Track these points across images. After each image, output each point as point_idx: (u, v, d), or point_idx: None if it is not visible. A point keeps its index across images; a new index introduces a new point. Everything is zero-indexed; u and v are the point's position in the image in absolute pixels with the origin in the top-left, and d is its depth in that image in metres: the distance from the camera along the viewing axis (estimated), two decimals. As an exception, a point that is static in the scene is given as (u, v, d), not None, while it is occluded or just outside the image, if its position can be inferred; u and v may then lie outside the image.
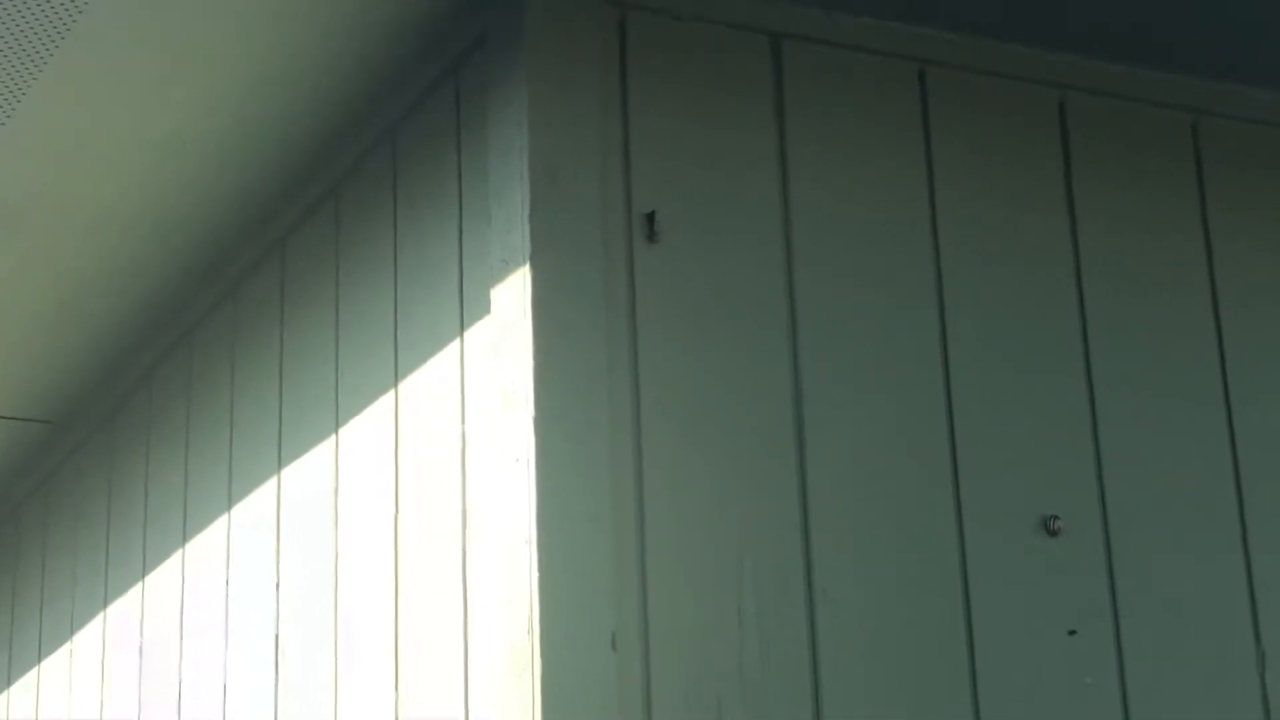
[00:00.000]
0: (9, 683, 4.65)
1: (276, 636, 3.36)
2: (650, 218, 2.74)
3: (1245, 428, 3.14)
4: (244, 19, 2.92)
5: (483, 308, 2.83)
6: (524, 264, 2.71)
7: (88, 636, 4.22)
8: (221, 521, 3.64)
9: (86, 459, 4.37)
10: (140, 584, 3.98)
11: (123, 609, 4.06)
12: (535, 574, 2.59)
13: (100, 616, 4.16)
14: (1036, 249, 3.10)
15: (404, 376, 3.05)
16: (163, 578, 3.88)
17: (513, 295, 2.73)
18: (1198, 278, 3.21)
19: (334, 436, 3.26)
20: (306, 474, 3.35)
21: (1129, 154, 3.22)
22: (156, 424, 4.02)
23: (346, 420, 3.23)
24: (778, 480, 2.78)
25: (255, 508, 3.52)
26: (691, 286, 2.81)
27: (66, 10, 2.84)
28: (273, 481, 3.46)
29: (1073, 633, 2.91)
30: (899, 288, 2.97)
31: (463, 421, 2.86)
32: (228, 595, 3.58)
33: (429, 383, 2.97)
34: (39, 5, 2.84)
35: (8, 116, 3.12)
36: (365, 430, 3.16)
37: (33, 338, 3.97)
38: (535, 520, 2.59)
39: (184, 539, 3.80)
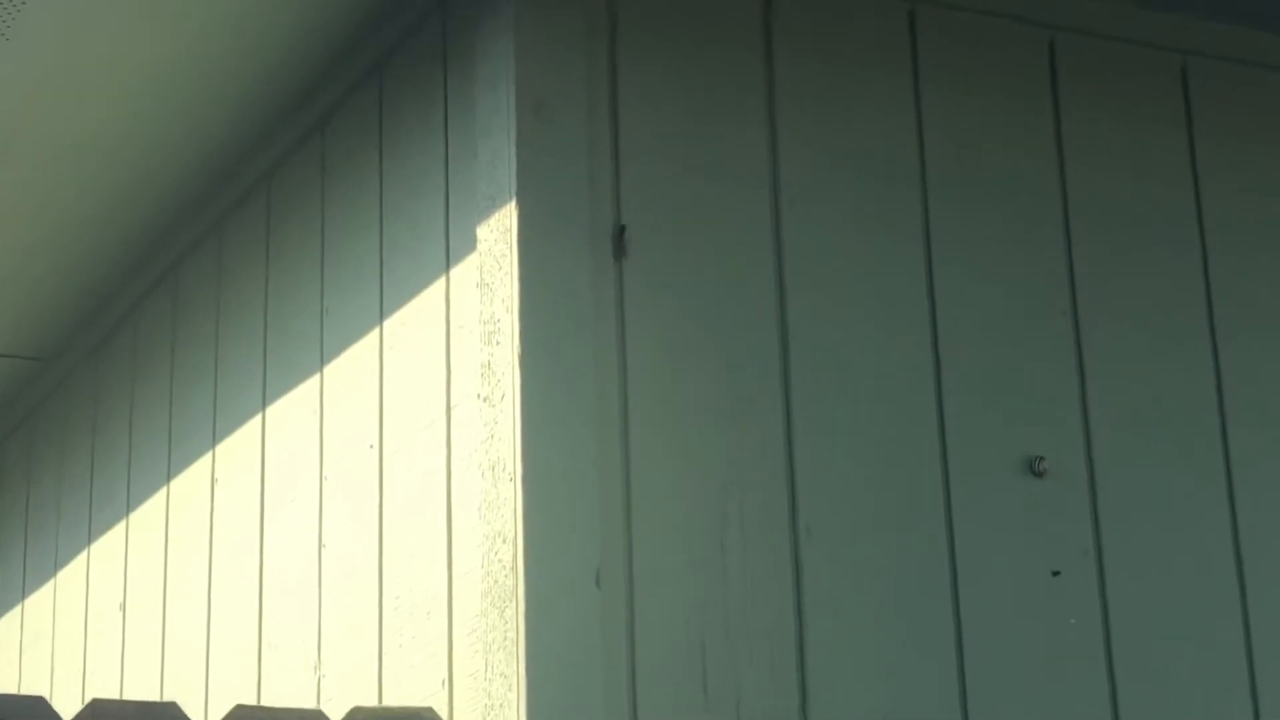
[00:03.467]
0: (-7, 619, 4.66)
1: (260, 572, 3.36)
2: (620, 232, 2.72)
3: (1232, 368, 3.14)
4: (229, -49, 2.91)
5: (469, 244, 2.82)
6: (510, 200, 2.70)
7: (71, 574, 4.22)
8: (206, 458, 3.64)
9: (71, 395, 4.36)
10: (125, 520, 3.97)
11: (107, 545, 4.06)
12: (519, 511, 2.58)
13: (84, 553, 4.16)
14: (1024, 189, 3.10)
15: (389, 313, 3.05)
16: (147, 514, 3.87)
17: (498, 231, 2.72)
18: (1186, 218, 3.20)
19: (319, 374, 3.26)
20: (292, 410, 3.34)
21: (1118, 94, 3.21)
22: (141, 360, 4.01)
23: (331, 357, 3.22)
24: (763, 418, 2.78)
25: (240, 443, 3.51)
26: (678, 221, 2.80)
27: (49, -60, 2.82)
28: (258, 418, 3.45)
29: (1057, 573, 2.92)
30: (886, 225, 2.96)
31: (448, 357, 2.85)
32: (212, 531, 3.58)
33: (414, 319, 2.96)
34: (21, -65, 2.82)
35: (-9, 48, 3.10)
36: (350, 366, 3.15)
37: (16, 273, 3.95)
38: (520, 456, 2.59)
39: (169, 475, 3.79)
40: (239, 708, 2.57)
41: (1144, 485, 3.02)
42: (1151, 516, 3.01)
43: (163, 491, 3.81)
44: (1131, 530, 2.98)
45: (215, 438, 3.61)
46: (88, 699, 2.63)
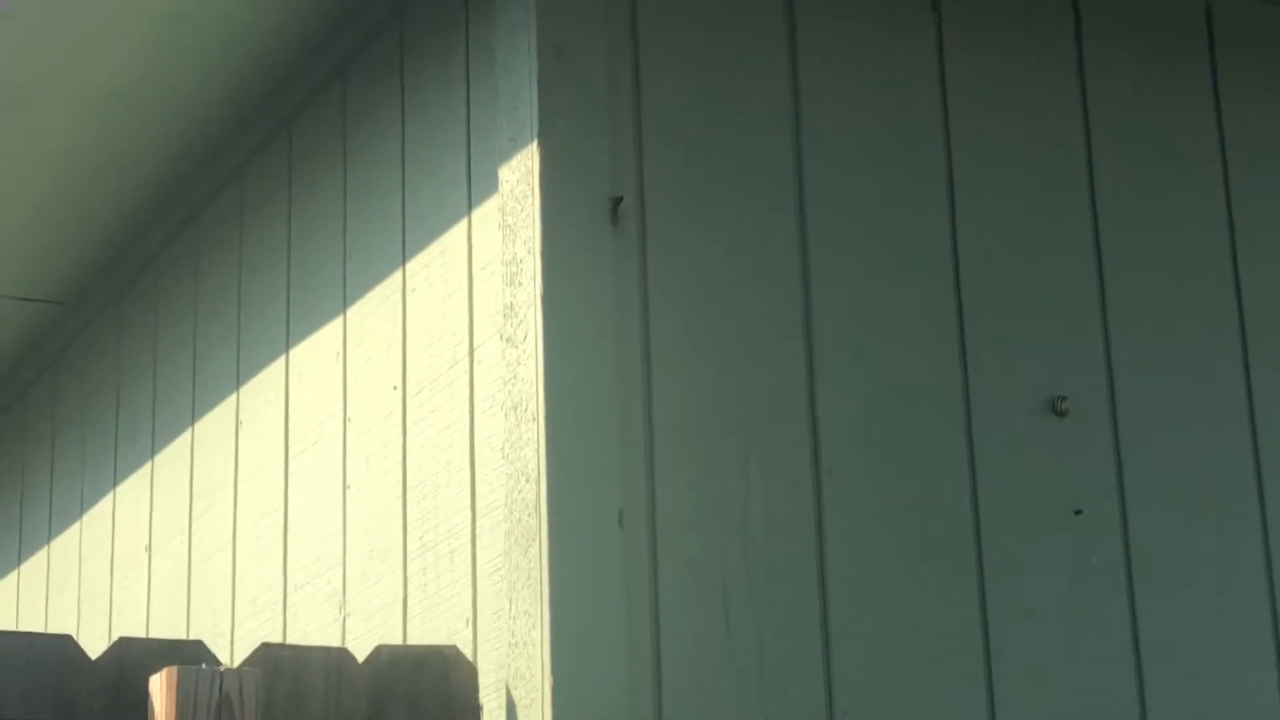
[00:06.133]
0: (19, 561, 4.68)
1: (285, 513, 3.37)
2: (616, 202, 2.71)
3: (1254, 305, 3.14)
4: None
5: (490, 185, 2.82)
6: (531, 141, 2.70)
7: (97, 516, 4.25)
8: (230, 400, 3.65)
9: (95, 339, 4.38)
10: (150, 463, 3.99)
11: (132, 488, 4.08)
12: (543, 451, 2.59)
13: (110, 495, 4.18)
14: (1048, 130, 3.09)
15: (412, 255, 3.05)
16: (172, 456, 3.89)
17: (520, 173, 2.72)
18: (1209, 157, 3.20)
19: (341, 315, 3.26)
20: (315, 353, 3.35)
21: (1142, 33, 3.20)
22: (164, 304, 4.02)
23: (354, 299, 3.23)
24: (785, 358, 2.78)
25: (264, 386, 3.52)
26: (698, 163, 2.80)
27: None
28: (281, 360, 3.46)
29: (1079, 512, 2.92)
30: (908, 167, 2.96)
31: (470, 298, 2.86)
32: (236, 472, 3.59)
33: (437, 260, 2.97)
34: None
35: (12, -7, 3.10)
36: (373, 308, 3.16)
37: (39, 218, 3.96)
38: (542, 396, 2.60)
39: (193, 418, 3.81)
40: (264, 646, 2.59)
41: (1166, 424, 3.02)
42: (1174, 455, 3.01)
43: (187, 434, 3.82)
44: (1154, 469, 2.99)
45: (239, 380, 3.62)
46: (114, 639, 2.65)
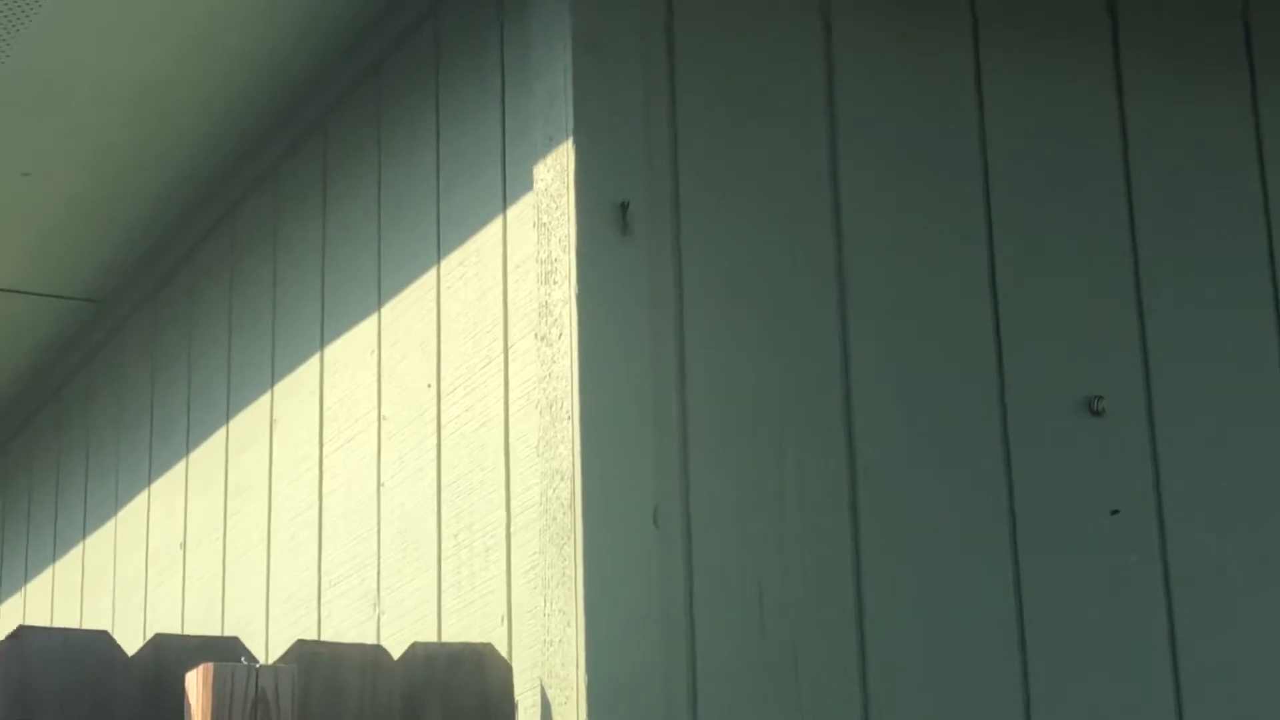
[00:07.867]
0: (54, 558, 4.70)
1: (320, 511, 3.38)
2: (624, 208, 2.70)
3: (1293, 306, 3.13)
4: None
5: (525, 183, 2.82)
6: (566, 139, 2.70)
7: (132, 513, 4.26)
8: (264, 399, 3.66)
9: (129, 337, 4.39)
10: (184, 460, 4.00)
11: (167, 485, 4.09)
12: (577, 449, 2.59)
13: (145, 493, 4.20)
14: (1084, 129, 3.08)
15: (446, 252, 3.05)
16: (207, 454, 3.90)
17: (555, 170, 2.72)
18: (1247, 159, 3.18)
19: (376, 313, 3.27)
20: (349, 351, 3.36)
21: (1178, 35, 3.19)
22: (199, 302, 4.03)
23: (389, 297, 3.23)
24: (820, 357, 2.78)
25: (298, 383, 3.53)
26: (733, 159, 2.80)
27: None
28: (316, 358, 3.47)
29: (1115, 512, 2.91)
30: (944, 166, 2.95)
31: (505, 297, 2.86)
32: (271, 470, 3.60)
33: (471, 259, 2.97)
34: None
35: (48, -9, 3.11)
36: (407, 306, 3.16)
37: (74, 216, 3.97)
38: (577, 395, 2.60)
39: (227, 416, 3.81)
40: (300, 643, 2.59)
41: (1203, 422, 3.01)
42: (1211, 453, 3.00)
43: (222, 431, 3.83)
44: (1191, 468, 2.97)
45: (273, 378, 3.63)
46: (150, 635, 2.66)
